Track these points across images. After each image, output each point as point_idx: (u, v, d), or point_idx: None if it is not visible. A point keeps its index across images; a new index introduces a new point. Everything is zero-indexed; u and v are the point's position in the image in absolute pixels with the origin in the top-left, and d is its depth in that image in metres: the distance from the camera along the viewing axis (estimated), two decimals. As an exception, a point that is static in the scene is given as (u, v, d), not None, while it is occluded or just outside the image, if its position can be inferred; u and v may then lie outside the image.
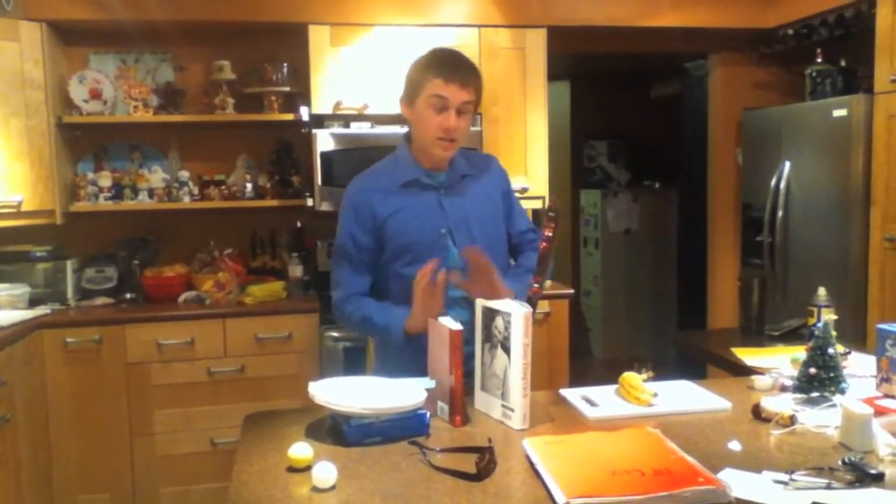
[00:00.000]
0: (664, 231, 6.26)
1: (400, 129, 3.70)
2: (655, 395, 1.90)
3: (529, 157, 3.93)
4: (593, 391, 1.99)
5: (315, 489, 1.42)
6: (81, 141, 3.85)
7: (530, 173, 3.93)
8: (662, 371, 2.06)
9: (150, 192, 3.78)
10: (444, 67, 2.04)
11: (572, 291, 3.92)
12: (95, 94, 3.73)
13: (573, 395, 1.98)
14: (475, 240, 2.10)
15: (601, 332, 6.31)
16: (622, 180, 6.65)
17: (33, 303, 3.54)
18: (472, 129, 3.74)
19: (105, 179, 3.75)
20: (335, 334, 3.50)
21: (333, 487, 1.42)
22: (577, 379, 3.39)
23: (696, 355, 3.01)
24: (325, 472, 1.42)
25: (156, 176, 3.82)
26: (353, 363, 3.46)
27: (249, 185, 3.86)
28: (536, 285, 2.04)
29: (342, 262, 2.14)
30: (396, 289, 2.10)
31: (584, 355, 6.18)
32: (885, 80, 3.27)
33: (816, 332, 1.91)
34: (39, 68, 3.48)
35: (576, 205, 6.61)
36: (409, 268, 2.04)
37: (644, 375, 2.00)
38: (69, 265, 3.65)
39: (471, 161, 2.23)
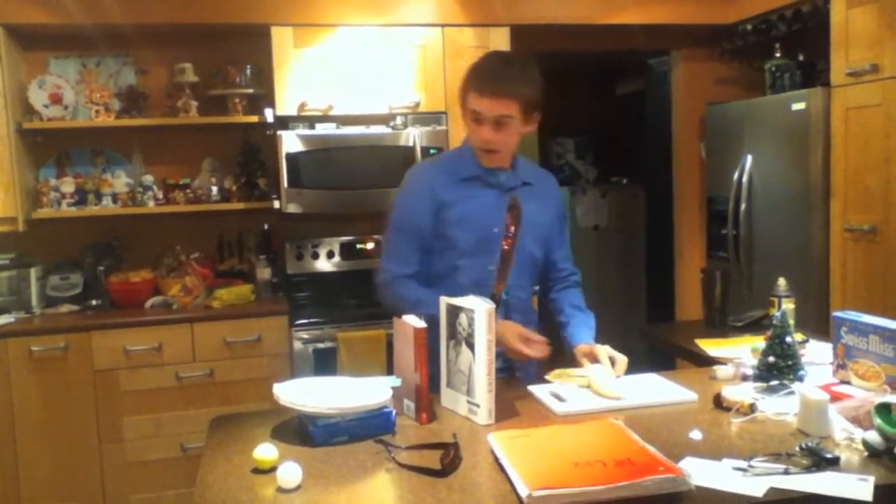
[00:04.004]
0: (632, 226, 6.30)
1: (366, 130, 3.71)
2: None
3: (496, 155, 3.94)
4: (561, 387, 2.01)
5: (280, 490, 1.42)
6: (43, 147, 3.80)
7: (497, 171, 3.94)
8: (632, 364, 2.09)
9: (114, 197, 3.75)
10: (478, 79, 2.05)
11: (538, 287, 3.93)
12: (56, 99, 3.68)
13: (541, 390, 1.99)
14: (523, 247, 2.13)
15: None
16: (590, 177, 6.68)
17: (-3, 311, 3.50)
18: (438, 128, 3.76)
19: (68, 185, 3.71)
20: (305, 336, 3.49)
21: (298, 487, 1.42)
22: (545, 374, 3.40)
23: (663, 348, 3.04)
24: (290, 473, 1.43)
25: (119, 181, 3.78)
26: (324, 364, 3.46)
27: (215, 188, 3.84)
28: (500, 284, 2.05)
29: (396, 239, 2.18)
30: (440, 271, 2.13)
31: (555, 351, 6.20)
32: (840, 74, 3.33)
33: (775, 322, 1.94)
34: (-2, 74, 3.44)
35: (545, 202, 6.63)
36: (459, 260, 2.12)
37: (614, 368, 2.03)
38: (33, 273, 3.60)
39: (534, 172, 2.30)
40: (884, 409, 1.52)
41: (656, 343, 3.18)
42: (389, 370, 1.95)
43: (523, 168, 2.25)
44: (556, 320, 2.33)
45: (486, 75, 2.05)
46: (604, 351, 2.07)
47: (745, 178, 3.96)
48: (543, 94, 2.12)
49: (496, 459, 1.50)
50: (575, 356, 2.16)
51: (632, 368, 2.09)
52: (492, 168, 2.17)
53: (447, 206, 2.13)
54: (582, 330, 2.21)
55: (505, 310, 2.14)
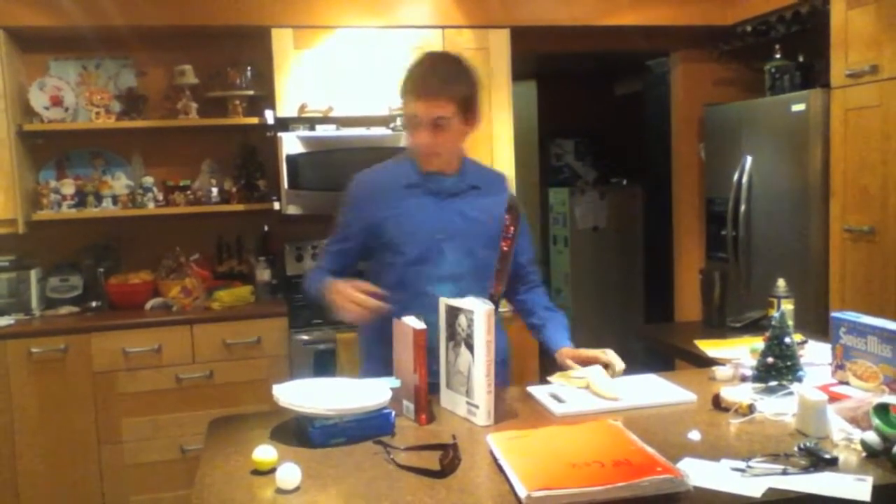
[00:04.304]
0: (631, 227, 6.32)
1: (366, 131, 3.71)
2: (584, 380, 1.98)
3: (495, 157, 3.95)
4: (560, 388, 2.01)
5: (279, 491, 1.42)
6: (43, 149, 3.81)
7: (496, 172, 3.94)
8: (630, 365, 2.09)
9: (114, 199, 3.75)
10: (411, 82, 2.01)
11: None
12: (56, 101, 3.69)
13: (541, 391, 1.99)
14: (472, 252, 2.09)
15: (571, 329, 6.33)
16: (589, 178, 6.70)
17: (-4, 313, 3.50)
18: (438, 129, 3.75)
19: (68, 187, 3.71)
20: (305, 337, 3.49)
21: (298, 489, 1.43)
22: (547, 376, 3.40)
23: (662, 348, 3.04)
24: (289, 474, 1.43)
25: (119, 182, 3.79)
26: (324, 366, 3.46)
27: (215, 190, 3.84)
28: (499, 285, 2.05)
29: (330, 243, 2.23)
30: (389, 283, 2.08)
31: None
32: (840, 75, 3.34)
33: (773, 323, 1.94)
34: (-2, 76, 3.44)
35: (544, 203, 6.65)
36: (407, 269, 2.08)
37: (610, 371, 2.03)
38: (33, 274, 3.61)
39: (483, 174, 2.24)
40: (882, 409, 1.53)
41: (655, 344, 3.18)
42: (389, 371, 1.94)
43: (471, 171, 2.19)
44: (528, 322, 2.30)
45: (419, 77, 2.01)
46: (594, 353, 2.07)
47: (744, 179, 3.97)
48: (479, 92, 2.08)
49: (495, 460, 1.51)
50: (557, 360, 2.14)
51: (630, 369, 2.09)
52: (436, 173, 2.11)
53: (387, 219, 2.10)
54: (560, 333, 2.20)
55: None
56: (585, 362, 2.07)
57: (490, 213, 2.13)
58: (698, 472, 1.41)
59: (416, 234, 2.09)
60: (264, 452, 1.52)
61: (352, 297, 1.92)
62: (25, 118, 3.64)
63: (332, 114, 3.69)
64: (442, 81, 1.99)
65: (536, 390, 2.01)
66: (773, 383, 1.89)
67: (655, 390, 1.98)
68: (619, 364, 2.04)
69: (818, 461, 1.45)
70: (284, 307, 3.61)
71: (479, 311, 1.75)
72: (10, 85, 3.50)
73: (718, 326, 2.90)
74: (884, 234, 3.16)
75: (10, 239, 3.60)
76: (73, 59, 3.84)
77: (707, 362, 2.39)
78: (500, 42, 3.89)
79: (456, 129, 2.04)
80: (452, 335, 1.85)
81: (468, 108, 2.04)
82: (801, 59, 3.91)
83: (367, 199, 2.14)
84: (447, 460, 1.48)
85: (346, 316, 1.96)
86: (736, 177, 4.00)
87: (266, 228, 3.97)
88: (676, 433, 1.66)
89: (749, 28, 4.12)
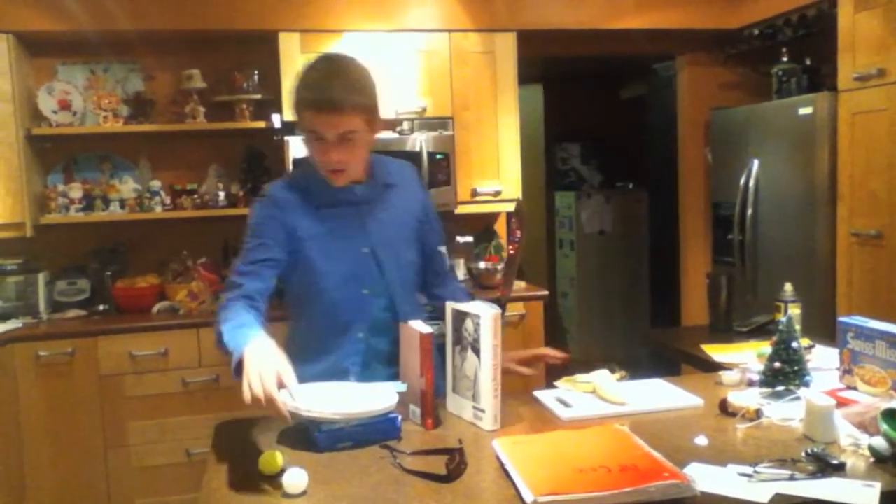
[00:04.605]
0: (637, 231, 6.32)
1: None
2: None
3: (502, 160, 3.96)
4: (567, 392, 2.01)
5: (285, 495, 1.42)
6: (51, 152, 3.82)
7: (503, 176, 3.95)
8: (636, 370, 2.08)
9: (122, 203, 3.76)
10: (311, 94, 1.81)
11: (546, 293, 3.94)
12: (65, 105, 3.70)
13: (547, 396, 1.99)
14: (400, 259, 2.00)
15: (577, 333, 6.35)
16: (595, 182, 6.70)
17: (4, 317, 3.51)
18: (445, 133, 3.76)
19: (75, 191, 3.73)
20: (310, 341, 3.49)
21: (304, 493, 1.43)
22: (554, 380, 3.39)
23: (668, 353, 3.04)
24: (296, 479, 1.43)
25: (127, 186, 3.80)
26: (330, 369, 3.46)
27: (222, 194, 3.85)
28: (506, 289, 2.05)
29: (244, 263, 1.91)
30: (320, 311, 1.98)
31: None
32: (847, 79, 3.33)
33: (780, 327, 1.94)
34: (7, 80, 3.45)
35: (550, 207, 6.65)
36: (336, 292, 1.95)
37: (616, 376, 2.03)
38: (40, 278, 3.62)
39: (391, 169, 2.06)
40: (890, 414, 1.52)
41: (661, 348, 3.17)
42: (394, 376, 1.95)
43: (380, 170, 2.02)
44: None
45: (321, 88, 1.79)
46: (532, 351, 2.09)
47: (751, 183, 3.96)
48: (377, 96, 1.89)
49: (501, 465, 1.50)
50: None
51: (636, 373, 2.08)
52: (346, 185, 1.94)
53: (307, 240, 1.93)
54: None
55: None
56: (527, 362, 2.08)
57: (407, 209, 2.04)
58: (705, 478, 1.41)
59: (341, 254, 1.94)
60: (271, 457, 1.52)
61: (268, 387, 1.52)
62: (34, 122, 3.66)
63: (339, 118, 3.69)
64: (347, 92, 1.79)
65: (543, 395, 2.00)
66: (780, 388, 1.89)
67: (662, 395, 1.98)
68: (559, 354, 2.06)
69: (826, 467, 1.44)
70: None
71: (485, 316, 1.75)
72: (19, 89, 3.51)
73: (725, 331, 2.89)
74: (891, 238, 3.15)
75: (18, 242, 3.62)
76: (81, 63, 3.85)
77: (714, 367, 2.38)
78: (507, 46, 3.90)
79: (365, 140, 1.89)
80: (459, 339, 1.85)
81: (374, 117, 1.88)
82: (808, 62, 3.90)
83: (289, 211, 1.94)
84: (453, 465, 1.48)
85: (246, 395, 1.52)
86: (742, 180, 3.99)
87: (272, 232, 3.96)
88: (683, 438, 1.66)
89: (755, 31, 4.12)
